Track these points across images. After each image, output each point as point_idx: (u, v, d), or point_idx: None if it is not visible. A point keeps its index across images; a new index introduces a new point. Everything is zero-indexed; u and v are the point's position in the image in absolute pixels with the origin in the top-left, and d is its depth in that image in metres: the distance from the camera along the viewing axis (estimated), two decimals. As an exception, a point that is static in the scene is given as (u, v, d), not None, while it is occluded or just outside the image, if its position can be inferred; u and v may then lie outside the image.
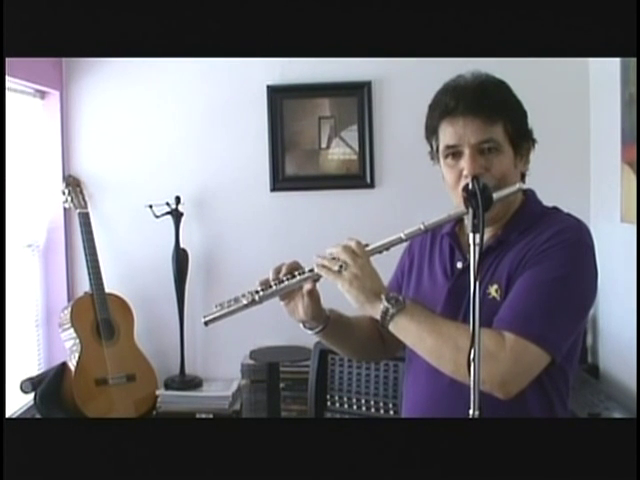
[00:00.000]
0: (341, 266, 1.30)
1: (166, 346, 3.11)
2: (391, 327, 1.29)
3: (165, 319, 3.11)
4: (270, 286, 1.37)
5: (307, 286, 1.36)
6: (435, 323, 1.28)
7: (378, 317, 1.29)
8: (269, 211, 3.13)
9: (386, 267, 1.50)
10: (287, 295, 1.39)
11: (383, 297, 1.28)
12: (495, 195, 1.24)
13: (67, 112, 3.14)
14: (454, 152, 1.33)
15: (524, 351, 1.21)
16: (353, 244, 1.32)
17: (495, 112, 1.30)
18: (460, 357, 1.12)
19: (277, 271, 1.38)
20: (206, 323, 1.37)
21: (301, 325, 1.44)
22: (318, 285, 1.38)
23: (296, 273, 1.37)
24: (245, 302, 1.35)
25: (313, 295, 1.38)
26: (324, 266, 1.32)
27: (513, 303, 1.27)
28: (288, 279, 1.36)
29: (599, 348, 2.91)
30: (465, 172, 1.30)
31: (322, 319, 1.43)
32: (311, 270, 1.35)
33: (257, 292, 1.36)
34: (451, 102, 1.31)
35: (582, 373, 2.69)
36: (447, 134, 1.33)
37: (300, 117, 3.10)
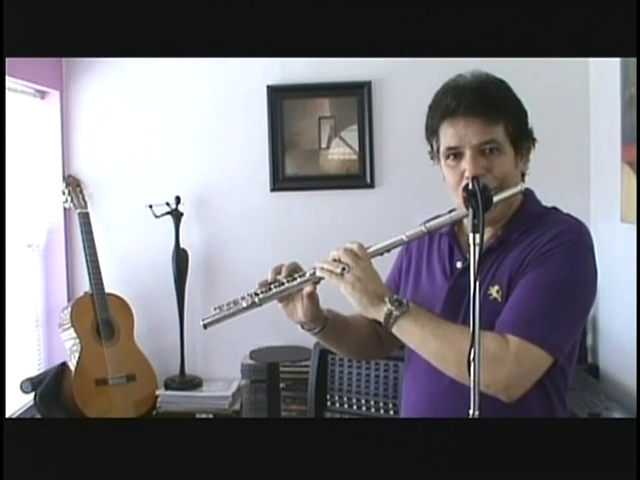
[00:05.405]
0: (344, 269, 1.29)
1: (166, 346, 3.11)
2: (394, 330, 1.29)
3: (165, 319, 3.11)
4: (270, 288, 1.36)
5: (307, 288, 1.36)
6: (439, 326, 1.28)
7: (381, 320, 1.29)
8: (269, 211, 3.13)
9: (384, 267, 1.49)
10: (286, 297, 1.38)
11: (387, 300, 1.28)
12: (498, 197, 1.24)
13: (67, 112, 3.14)
14: (455, 153, 1.32)
15: (528, 354, 1.21)
16: (355, 247, 1.32)
17: (496, 113, 1.30)
18: (464, 361, 1.12)
19: (276, 271, 1.38)
20: (205, 326, 1.36)
21: (299, 326, 1.44)
22: (317, 286, 1.37)
23: (296, 275, 1.36)
24: (245, 305, 1.34)
25: (313, 297, 1.37)
26: (326, 269, 1.31)
27: (515, 306, 1.27)
28: (289, 281, 1.36)
29: (599, 348, 2.90)
30: (467, 173, 1.29)
31: (320, 320, 1.43)
32: (312, 273, 1.34)
33: (257, 294, 1.35)
34: (452, 103, 1.30)
35: (582, 373, 2.69)
36: (448, 135, 1.32)
37: (300, 117, 3.10)
